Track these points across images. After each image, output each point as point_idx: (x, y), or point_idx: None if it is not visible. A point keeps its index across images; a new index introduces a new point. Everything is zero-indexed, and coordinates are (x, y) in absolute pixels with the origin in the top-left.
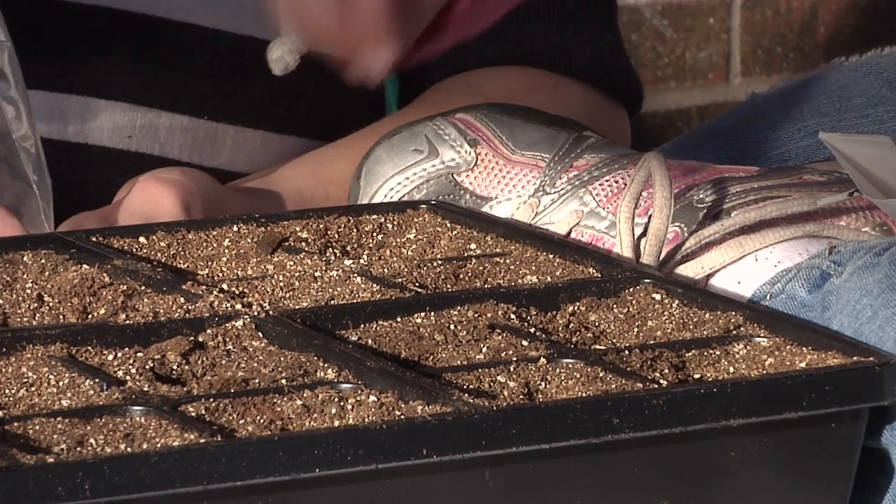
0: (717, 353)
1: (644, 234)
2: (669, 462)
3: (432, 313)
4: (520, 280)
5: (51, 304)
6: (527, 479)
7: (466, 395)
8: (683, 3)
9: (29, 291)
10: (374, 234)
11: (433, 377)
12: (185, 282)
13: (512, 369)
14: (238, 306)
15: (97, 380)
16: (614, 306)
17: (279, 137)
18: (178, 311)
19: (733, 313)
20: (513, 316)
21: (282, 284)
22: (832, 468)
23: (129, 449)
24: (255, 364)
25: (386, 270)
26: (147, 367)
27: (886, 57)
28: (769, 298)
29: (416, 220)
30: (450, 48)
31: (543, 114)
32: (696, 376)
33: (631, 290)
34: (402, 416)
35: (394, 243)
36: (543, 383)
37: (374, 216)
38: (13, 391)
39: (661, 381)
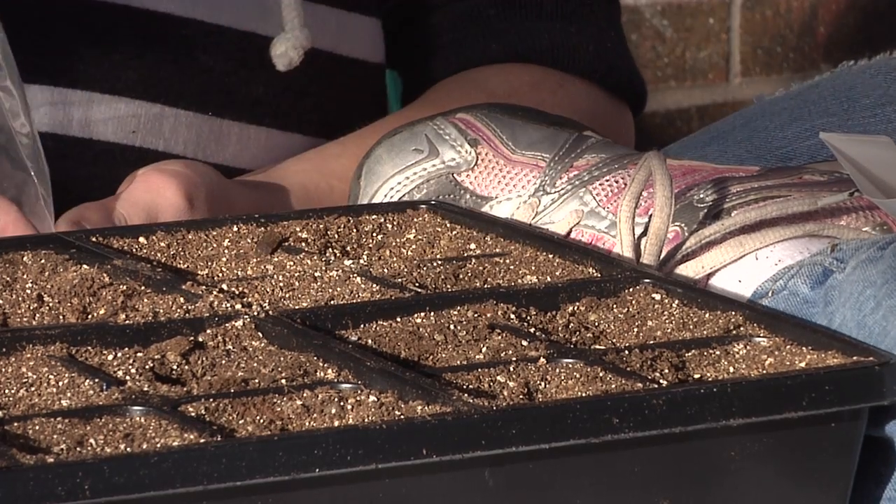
0: (717, 352)
1: (644, 233)
2: (669, 462)
3: (432, 313)
4: (520, 280)
5: (51, 304)
6: (527, 479)
7: (466, 394)
8: (683, 3)
9: (29, 291)
10: (374, 234)
11: (433, 377)
12: (184, 282)
13: (512, 369)
14: (238, 306)
15: (97, 380)
16: (614, 306)
17: (283, 134)
18: (178, 311)
19: (733, 313)
20: (512, 316)
21: (282, 284)
22: (832, 468)
23: (128, 449)
24: (255, 364)
25: (386, 270)
26: (147, 367)
27: (895, 58)
28: (771, 295)
29: (415, 220)
30: (453, 45)
31: (544, 114)
32: (696, 376)
33: (631, 290)
34: (402, 416)
35: (394, 243)
36: (543, 383)
37: (374, 216)
38: (13, 391)
39: (661, 380)
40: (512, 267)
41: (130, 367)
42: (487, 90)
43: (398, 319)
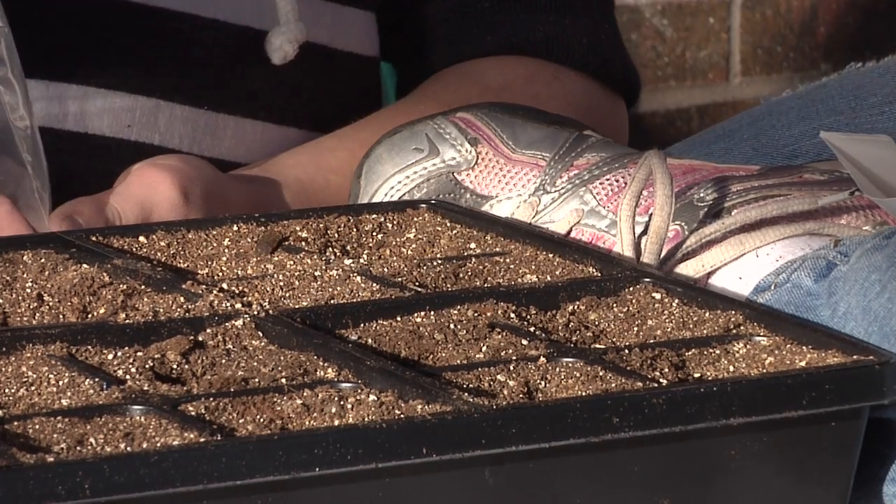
0: (717, 352)
1: (645, 232)
2: (669, 461)
3: (432, 312)
4: (519, 279)
5: (51, 304)
6: (526, 479)
7: (466, 394)
8: (683, 3)
9: (29, 291)
10: (374, 234)
11: (433, 376)
12: (184, 281)
13: (512, 368)
14: (238, 306)
15: (97, 379)
16: (614, 305)
17: (278, 129)
18: (178, 310)
19: (733, 312)
20: (512, 315)
21: (282, 284)
22: (832, 467)
23: (128, 448)
24: (255, 363)
25: (386, 270)
26: (147, 366)
27: None
28: (774, 288)
29: (415, 219)
30: (447, 38)
31: (544, 113)
32: (696, 375)
33: (631, 289)
34: (402, 416)
35: (394, 243)
36: (543, 382)
37: (374, 215)
38: (13, 390)
39: (661, 379)
40: (512, 266)
41: (130, 366)
42: (482, 83)
43: (398, 319)
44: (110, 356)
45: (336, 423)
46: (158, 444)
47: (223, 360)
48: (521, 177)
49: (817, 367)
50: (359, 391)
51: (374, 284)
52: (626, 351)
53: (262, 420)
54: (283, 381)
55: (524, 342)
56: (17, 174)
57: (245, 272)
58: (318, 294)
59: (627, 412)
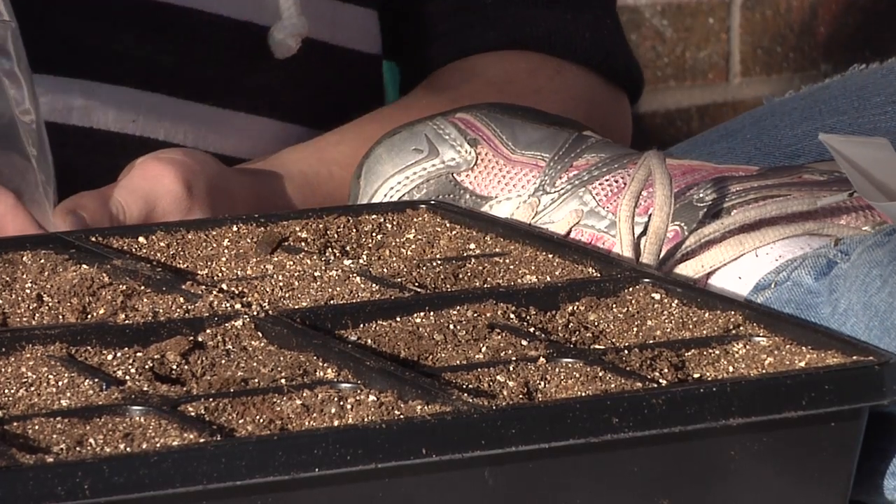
0: (717, 352)
1: (644, 232)
2: (669, 461)
3: (432, 313)
4: (519, 280)
5: (50, 304)
6: (526, 479)
7: (466, 394)
8: (683, 3)
9: (28, 291)
10: (374, 234)
11: (432, 377)
12: (184, 282)
13: (511, 369)
14: (238, 306)
15: (97, 380)
16: (614, 306)
17: (282, 125)
18: (178, 310)
19: (733, 313)
20: (512, 316)
21: (281, 284)
22: (832, 467)
23: (128, 449)
24: (255, 364)
25: (385, 270)
26: (147, 366)
27: None
28: (774, 287)
29: (415, 219)
30: (450, 34)
31: (543, 113)
32: (696, 376)
33: (630, 289)
34: (402, 416)
35: (393, 243)
36: (543, 383)
37: (374, 216)
38: (13, 391)
39: (661, 380)
40: (512, 267)
41: (130, 366)
42: (485, 77)
43: (398, 319)
44: (110, 357)
45: (336, 423)
46: (158, 445)
47: (223, 361)
48: (520, 177)
49: (817, 367)
50: (358, 391)
51: (374, 285)
52: (626, 351)
53: (261, 420)
54: (283, 381)
55: (524, 343)
56: (22, 168)
57: (245, 273)
58: (318, 294)
59: (627, 412)
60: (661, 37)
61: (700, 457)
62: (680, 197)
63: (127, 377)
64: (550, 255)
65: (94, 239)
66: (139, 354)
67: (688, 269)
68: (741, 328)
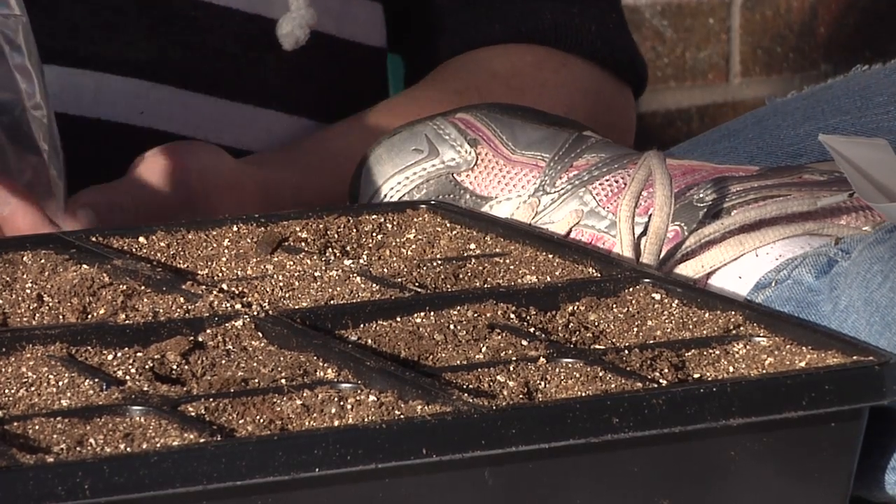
0: (717, 352)
1: (644, 233)
2: (669, 461)
3: (432, 313)
4: (519, 280)
5: (50, 304)
6: (526, 479)
7: (466, 394)
8: (683, 3)
9: (29, 291)
10: (374, 234)
11: (433, 377)
12: (184, 282)
13: (511, 369)
14: (238, 306)
15: (97, 380)
16: (614, 306)
17: (289, 118)
18: (178, 310)
19: (733, 313)
20: (512, 316)
21: (281, 284)
22: (832, 467)
23: (128, 449)
24: (255, 364)
25: (385, 270)
26: (147, 366)
27: None
28: (774, 285)
29: (415, 219)
30: (455, 27)
31: (544, 113)
32: (696, 376)
33: (630, 289)
34: (402, 416)
35: (393, 243)
36: (543, 383)
37: (374, 216)
38: (13, 391)
39: (661, 380)
40: (512, 267)
41: (130, 366)
42: (491, 70)
43: (398, 319)
44: (110, 357)
45: (336, 423)
46: (158, 445)
47: (223, 361)
48: (520, 177)
49: (817, 367)
50: (359, 392)
51: (374, 285)
52: (626, 351)
53: (261, 420)
54: (283, 381)
55: (524, 343)
56: (34, 163)
57: (245, 272)
58: (318, 294)
59: (627, 413)
60: (661, 37)
61: (700, 457)
62: (680, 197)
63: (127, 377)
64: (550, 255)
65: (94, 239)
66: (139, 354)
67: (688, 269)
68: (741, 328)
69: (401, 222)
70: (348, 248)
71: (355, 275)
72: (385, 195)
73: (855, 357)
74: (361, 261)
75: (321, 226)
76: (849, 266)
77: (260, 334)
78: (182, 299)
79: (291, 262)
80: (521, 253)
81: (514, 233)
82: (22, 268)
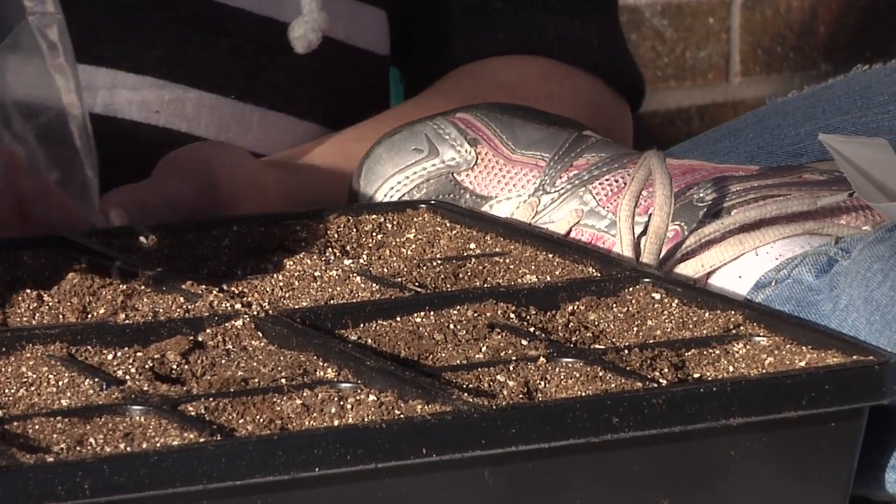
0: (717, 352)
1: (644, 232)
2: (669, 461)
3: (432, 313)
4: (519, 279)
5: (51, 304)
6: (526, 479)
7: (466, 394)
8: (683, 3)
9: (29, 291)
10: (374, 234)
11: (433, 376)
12: (184, 281)
13: (511, 368)
14: (238, 306)
15: (97, 379)
16: (614, 305)
17: (300, 123)
18: (178, 310)
19: (733, 312)
20: (512, 315)
21: (281, 284)
22: (832, 467)
23: (128, 448)
24: (255, 363)
25: (385, 270)
26: (147, 366)
27: None
28: (774, 284)
29: (415, 219)
30: (460, 37)
31: (544, 113)
32: (696, 375)
33: (630, 289)
34: (402, 416)
35: (393, 243)
36: (543, 382)
37: (374, 216)
38: (13, 391)
39: (661, 380)
40: (512, 266)
41: (130, 366)
42: (498, 80)
43: (398, 319)
44: (110, 356)
45: (336, 423)
46: (158, 445)
47: (223, 361)
48: (520, 177)
49: (817, 367)
50: (359, 391)
51: (374, 284)
52: (626, 351)
53: (261, 420)
54: (283, 381)
55: (524, 342)
56: (68, 159)
57: (245, 272)
58: (318, 294)
59: (627, 412)
60: (661, 37)
61: (700, 457)
62: (680, 197)
63: (127, 377)
64: (550, 255)
65: (94, 239)
66: (139, 354)
67: (688, 269)
68: (741, 328)
69: (401, 222)
70: (348, 247)
71: (355, 274)
72: (385, 195)
73: (855, 357)
74: (361, 260)
75: (321, 225)
76: (849, 265)
77: (260, 334)
78: (182, 299)
79: (291, 262)
80: (521, 253)
81: (514, 232)
82: (22, 267)
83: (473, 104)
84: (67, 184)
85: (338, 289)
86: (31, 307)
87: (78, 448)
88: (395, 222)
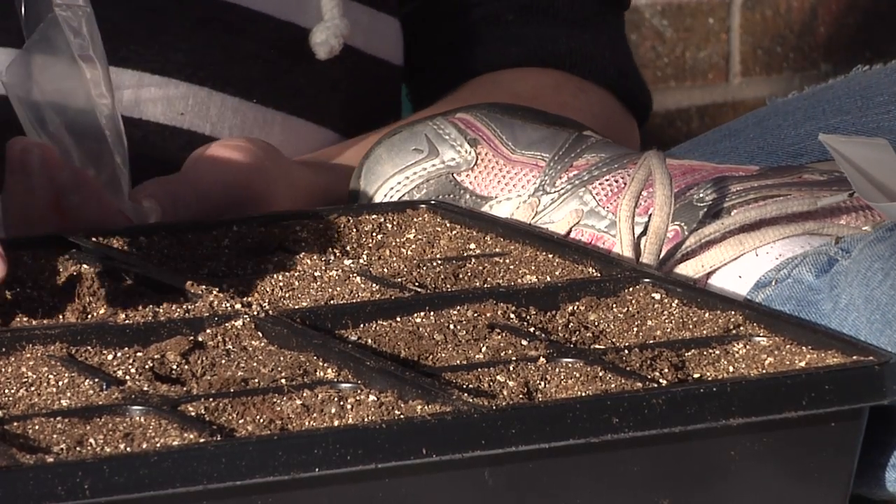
0: (717, 352)
1: (644, 232)
2: (669, 461)
3: (432, 313)
4: (519, 280)
5: (51, 304)
6: (526, 479)
7: (466, 394)
8: (683, 3)
9: (29, 291)
10: (374, 234)
11: (433, 377)
12: (185, 281)
13: (511, 369)
14: (238, 306)
15: (97, 379)
16: (614, 306)
17: (319, 129)
18: (178, 310)
19: (733, 313)
20: (512, 315)
21: (282, 284)
22: (832, 467)
23: (128, 449)
24: (255, 364)
25: (385, 270)
26: (147, 366)
27: None
28: (774, 284)
29: (415, 219)
30: (473, 49)
31: (543, 113)
32: (696, 376)
33: (630, 289)
34: (402, 416)
35: (393, 243)
36: (543, 383)
37: (374, 216)
38: (13, 391)
39: (661, 380)
40: (512, 267)
41: (130, 366)
42: (512, 91)
43: (398, 319)
44: (110, 356)
45: (336, 423)
46: (158, 445)
47: (223, 361)
48: (520, 177)
49: (817, 367)
50: (359, 391)
51: (374, 285)
52: (626, 351)
53: (261, 420)
54: (283, 381)
55: (524, 342)
56: (97, 151)
57: (245, 272)
58: (318, 294)
59: (627, 412)
60: (661, 37)
61: (700, 457)
62: (680, 197)
63: (127, 377)
64: (550, 255)
65: (94, 239)
66: (139, 354)
67: (688, 269)
68: (741, 328)
69: (401, 222)
70: (348, 247)
71: (355, 275)
72: (385, 195)
73: (855, 357)
74: (361, 261)
75: (321, 225)
76: (849, 264)
77: (260, 334)
78: (182, 299)
79: (291, 262)
80: (521, 253)
81: (514, 233)
82: (22, 267)
83: (473, 104)
84: (99, 175)
85: (338, 289)
86: (31, 307)
87: (78, 448)
88: (395, 222)
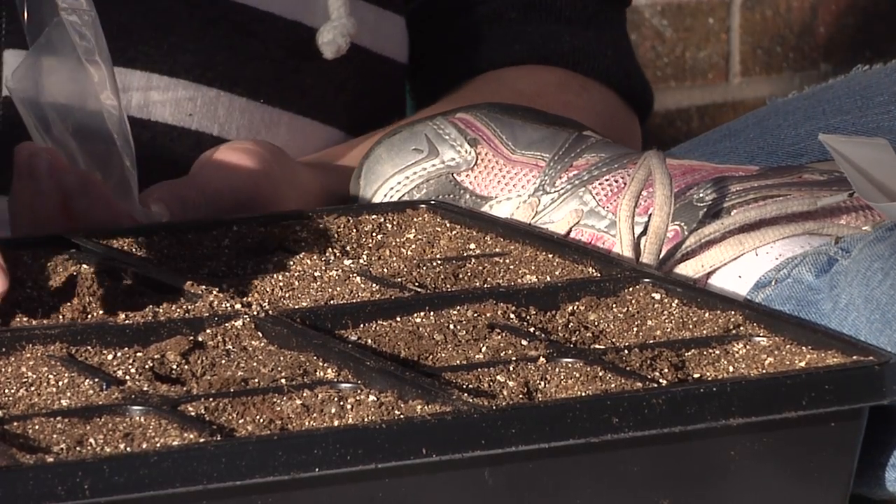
0: (717, 352)
1: (644, 232)
2: (669, 461)
3: (432, 313)
4: (519, 280)
5: (51, 304)
6: (526, 479)
7: (466, 394)
8: (683, 3)
9: (29, 291)
10: (374, 234)
11: (432, 377)
12: (185, 281)
13: (511, 369)
14: (238, 306)
15: (97, 379)
16: (614, 306)
17: (325, 128)
18: (178, 310)
19: (733, 313)
20: (512, 315)
21: (281, 284)
22: (832, 467)
23: (128, 448)
24: (255, 364)
25: (385, 270)
26: (147, 366)
27: None
28: (774, 284)
29: (415, 219)
30: (476, 47)
31: (543, 113)
32: (696, 375)
33: (630, 289)
34: (402, 416)
35: (393, 243)
36: (543, 383)
37: (374, 216)
38: (13, 391)
39: (661, 380)
40: (512, 267)
41: (130, 366)
42: (516, 89)
43: (398, 319)
44: (110, 356)
45: (336, 423)
46: (158, 445)
47: (223, 361)
48: (520, 177)
49: (817, 367)
50: (358, 391)
51: (374, 285)
52: (626, 351)
53: (261, 420)
54: (283, 381)
55: (524, 342)
56: (105, 153)
57: (245, 272)
58: (318, 294)
59: (627, 412)
60: (661, 37)
61: (700, 457)
62: (680, 197)
63: (127, 377)
64: (550, 255)
65: (94, 239)
66: (139, 354)
67: (688, 269)
68: (741, 328)
69: (401, 222)
70: (348, 247)
71: (355, 275)
72: (385, 195)
73: (855, 357)
74: (361, 261)
75: (321, 226)
76: (849, 264)
77: (260, 334)
78: (182, 299)
79: (291, 262)
80: (521, 253)
81: (514, 233)
82: (22, 267)
83: (473, 104)
84: (107, 178)
85: (338, 289)
86: (31, 307)
87: (78, 448)
88: (394, 222)
